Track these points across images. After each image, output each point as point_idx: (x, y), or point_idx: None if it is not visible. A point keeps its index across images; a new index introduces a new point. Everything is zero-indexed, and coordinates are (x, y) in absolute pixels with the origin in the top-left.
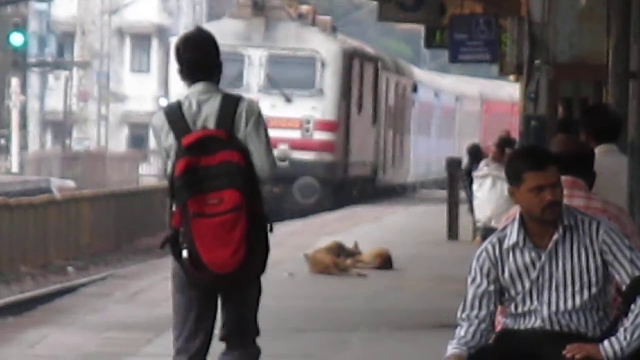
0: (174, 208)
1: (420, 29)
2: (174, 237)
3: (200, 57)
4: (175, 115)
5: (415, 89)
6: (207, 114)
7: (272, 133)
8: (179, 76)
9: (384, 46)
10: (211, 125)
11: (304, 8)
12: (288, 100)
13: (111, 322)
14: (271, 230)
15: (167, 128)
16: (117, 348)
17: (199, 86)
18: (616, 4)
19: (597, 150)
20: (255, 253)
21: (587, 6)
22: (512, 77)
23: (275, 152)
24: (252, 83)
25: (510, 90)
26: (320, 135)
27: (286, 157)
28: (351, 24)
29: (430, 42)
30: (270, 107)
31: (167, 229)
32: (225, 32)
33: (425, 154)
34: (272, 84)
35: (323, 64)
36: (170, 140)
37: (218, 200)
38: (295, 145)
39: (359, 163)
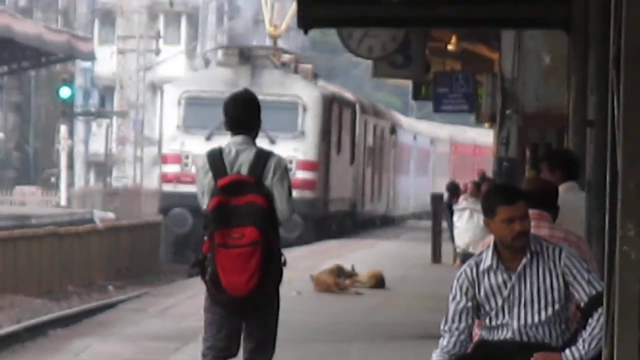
0: (204, 237)
1: (409, 83)
2: (202, 261)
3: (242, 115)
4: (215, 159)
5: (393, 131)
6: (242, 162)
7: None
8: (225, 126)
9: (377, 98)
10: (244, 171)
11: (287, 57)
12: (272, 141)
13: (145, 333)
14: (284, 264)
15: (207, 168)
16: (150, 355)
17: (239, 138)
18: (575, 62)
19: (560, 187)
20: (268, 281)
21: (550, 65)
22: (486, 125)
23: None
24: None
25: (473, 134)
26: (302, 174)
27: None
28: (350, 80)
29: (417, 95)
30: None
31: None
32: (214, 79)
33: (405, 189)
34: None
35: (304, 109)
36: (208, 178)
37: (240, 235)
38: None
39: (338, 199)
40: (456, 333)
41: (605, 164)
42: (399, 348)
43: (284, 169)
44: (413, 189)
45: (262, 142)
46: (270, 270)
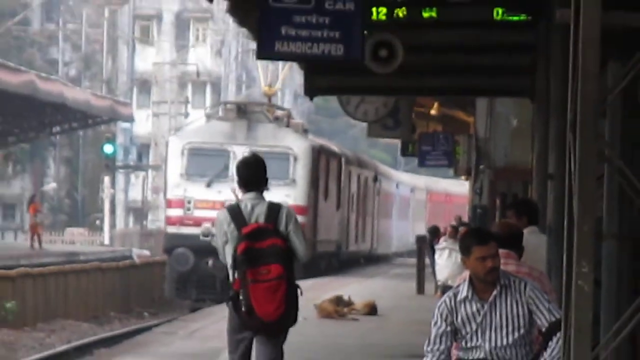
0: (236, 276)
1: (397, 142)
2: (236, 297)
3: (253, 175)
4: (235, 212)
5: (375, 179)
6: (259, 214)
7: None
8: (237, 184)
9: (371, 154)
10: (261, 220)
11: (280, 112)
12: (266, 189)
13: (175, 352)
14: (301, 294)
15: (229, 220)
16: None
17: (251, 194)
18: (538, 125)
19: (525, 231)
20: (291, 308)
21: (517, 127)
22: (463, 177)
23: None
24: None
25: (445, 184)
26: None
27: None
28: (348, 139)
29: (404, 152)
30: None
31: (230, 290)
32: (213, 131)
33: (387, 231)
34: None
35: (295, 159)
36: (231, 229)
37: (267, 271)
38: None
39: (325, 241)
40: (437, 353)
41: (563, 211)
42: None
43: (295, 217)
44: (395, 231)
45: None
46: (293, 299)
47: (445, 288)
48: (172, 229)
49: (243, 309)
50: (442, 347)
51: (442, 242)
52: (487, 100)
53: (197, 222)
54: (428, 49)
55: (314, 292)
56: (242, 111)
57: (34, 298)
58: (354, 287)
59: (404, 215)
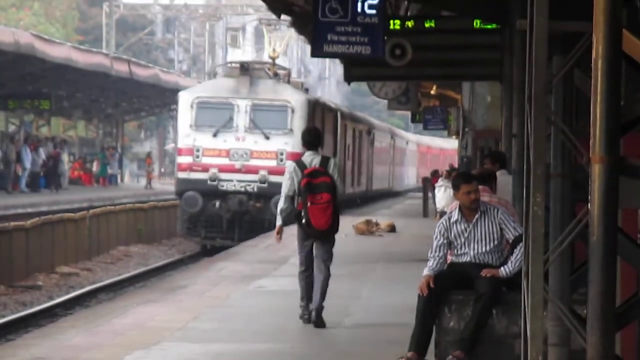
0: (299, 200)
1: (408, 113)
2: (299, 214)
3: (312, 139)
4: (299, 162)
5: (369, 132)
6: (315, 162)
7: (255, 162)
8: (302, 144)
9: (390, 122)
10: (317, 165)
11: (281, 71)
12: (267, 137)
13: (257, 259)
14: (340, 213)
15: (295, 167)
16: (261, 272)
17: (310, 151)
18: (505, 99)
19: (498, 173)
20: (335, 222)
21: (491, 101)
22: (454, 137)
23: (257, 177)
24: (240, 125)
25: (439, 142)
26: None
27: (266, 180)
28: (374, 111)
29: (413, 119)
30: (254, 143)
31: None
32: (219, 87)
33: (382, 176)
34: (255, 125)
35: (293, 110)
36: (297, 171)
37: (320, 197)
38: (272, 172)
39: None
40: (437, 258)
41: (523, 159)
42: (404, 266)
43: (337, 165)
44: (389, 174)
45: (259, 138)
46: (336, 216)
47: (442, 213)
48: (182, 175)
49: (303, 221)
50: (440, 254)
51: (440, 181)
52: (470, 83)
53: (205, 168)
54: (428, 49)
55: (356, 216)
56: (245, 68)
57: (160, 222)
58: (380, 212)
59: (400, 163)
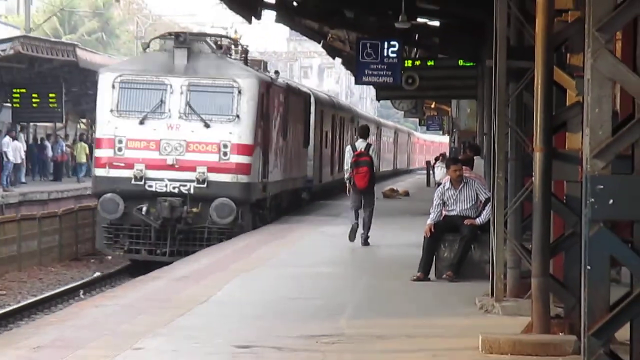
0: (351, 170)
1: (417, 119)
2: (350, 179)
3: (363, 133)
4: (352, 146)
5: (353, 120)
6: (361, 147)
7: (191, 157)
8: (360, 136)
9: (404, 124)
10: (362, 149)
11: (226, 41)
12: (207, 126)
13: (324, 214)
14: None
15: (350, 149)
16: (326, 220)
17: (361, 139)
18: (479, 111)
19: (475, 158)
20: (372, 184)
21: (470, 112)
22: (447, 135)
23: (194, 175)
24: (173, 110)
25: (435, 137)
26: (236, 158)
27: (205, 180)
28: (394, 118)
29: (420, 123)
30: (190, 132)
31: (348, 177)
32: (149, 62)
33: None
34: (192, 110)
35: (240, 92)
36: (350, 152)
37: (362, 169)
38: (213, 168)
39: (287, 180)
40: (436, 212)
41: (490, 149)
42: (415, 218)
43: (374, 149)
44: (378, 160)
45: (197, 126)
46: (372, 181)
47: (438, 184)
48: (100, 172)
49: (353, 183)
50: (438, 209)
51: (438, 163)
52: (456, 100)
53: (129, 164)
54: (430, 79)
55: (384, 187)
56: (181, 40)
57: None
58: (399, 184)
59: (388, 150)
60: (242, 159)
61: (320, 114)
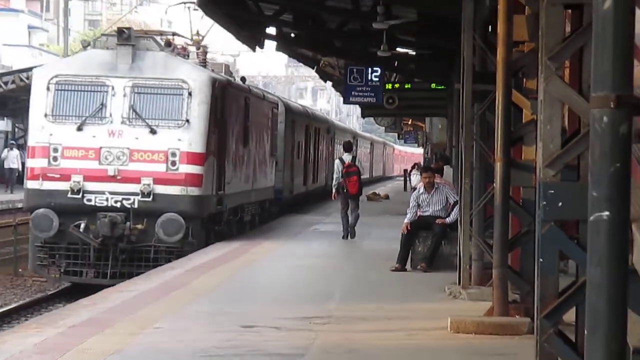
0: (342, 178)
1: (396, 133)
2: (340, 186)
3: (348, 147)
4: (341, 159)
5: (329, 131)
6: (348, 160)
7: (135, 167)
8: (343, 149)
9: (386, 138)
10: (349, 161)
11: (174, 38)
12: (153, 132)
13: (314, 214)
14: (361, 188)
15: (339, 162)
16: (316, 220)
17: (346, 153)
18: (448, 126)
19: (445, 167)
20: (359, 190)
21: (441, 128)
22: (421, 147)
23: (138, 187)
24: (115, 114)
25: (409, 149)
26: (186, 169)
27: (150, 192)
28: (377, 132)
29: (399, 137)
30: (134, 139)
31: (339, 183)
32: (89, 62)
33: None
34: (137, 115)
35: (190, 94)
36: (340, 165)
37: (352, 178)
38: (160, 180)
39: (250, 191)
40: (412, 213)
41: (458, 159)
42: (395, 218)
43: (359, 160)
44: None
45: (142, 132)
46: (360, 188)
47: (414, 189)
48: (33, 184)
49: (344, 189)
50: (414, 210)
51: (414, 171)
52: (429, 118)
53: (65, 175)
54: (407, 99)
55: (365, 193)
56: (125, 36)
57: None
58: (380, 189)
59: (365, 159)
60: (193, 169)
61: (292, 123)
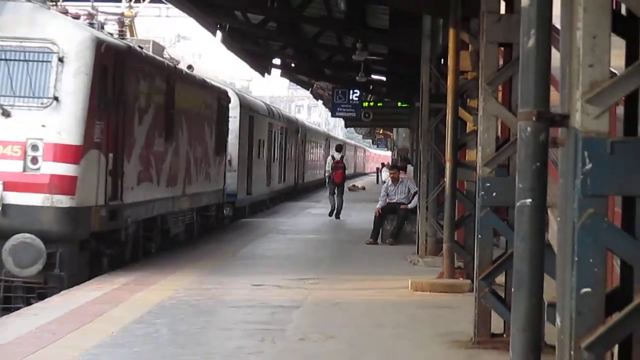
0: (331, 170)
1: (370, 140)
2: (330, 176)
3: (339, 148)
4: (333, 157)
5: (298, 131)
6: (338, 157)
7: None
8: (336, 150)
9: (363, 143)
10: (338, 159)
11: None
12: (6, 114)
13: (306, 200)
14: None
15: (331, 159)
16: (309, 205)
17: (337, 152)
18: (411, 135)
19: (408, 166)
20: (343, 180)
21: (405, 136)
22: (390, 151)
23: None
24: None
25: (379, 152)
26: (52, 168)
27: None
28: (355, 139)
29: (372, 143)
30: None
31: (328, 176)
32: None
33: (311, 170)
34: None
35: (61, 60)
36: (331, 161)
37: (338, 171)
38: (13, 185)
39: (181, 198)
40: (382, 200)
41: (418, 160)
42: (369, 204)
43: (346, 159)
44: (320, 169)
45: None
46: (344, 178)
47: (384, 182)
48: None
49: (332, 178)
50: (384, 198)
51: (384, 168)
52: (397, 128)
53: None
54: (380, 114)
55: (349, 184)
56: None
57: None
58: (359, 182)
59: (350, 159)
60: (63, 169)
61: (251, 119)
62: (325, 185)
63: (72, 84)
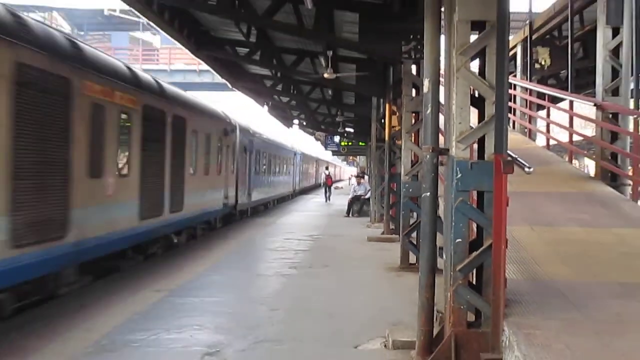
0: (325, 180)
1: (346, 161)
2: (325, 182)
3: (326, 167)
4: (325, 171)
5: (226, 133)
6: (327, 172)
7: None
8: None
9: (344, 163)
10: (327, 172)
11: None
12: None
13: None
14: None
15: (323, 172)
16: (307, 206)
17: (327, 170)
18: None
19: (365, 176)
20: (332, 184)
21: (364, 160)
22: (356, 167)
23: None
24: None
25: (350, 168)
26: None
27: None
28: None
29: (347, 163)
30: None
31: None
32: None
33: (264, 183)
34: None
35: None
36: (324, 173)
37: (328, 179)
38: None
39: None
40: (352, 193)
41: (371, 173)
42: (345, 197)
43: (334, 172)
44: (272, 179)
45: None
46: (332, 183)
47: (353, 184)
48: None
49: (325, 182)
50: (352, 193)
51: (352, 177)
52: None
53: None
54: (350, 148)
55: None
56: None
57: None
58: (339, 184)
59: (310, 170)
60: None
61: (171, 124)
62: (321, 186)
63: None
